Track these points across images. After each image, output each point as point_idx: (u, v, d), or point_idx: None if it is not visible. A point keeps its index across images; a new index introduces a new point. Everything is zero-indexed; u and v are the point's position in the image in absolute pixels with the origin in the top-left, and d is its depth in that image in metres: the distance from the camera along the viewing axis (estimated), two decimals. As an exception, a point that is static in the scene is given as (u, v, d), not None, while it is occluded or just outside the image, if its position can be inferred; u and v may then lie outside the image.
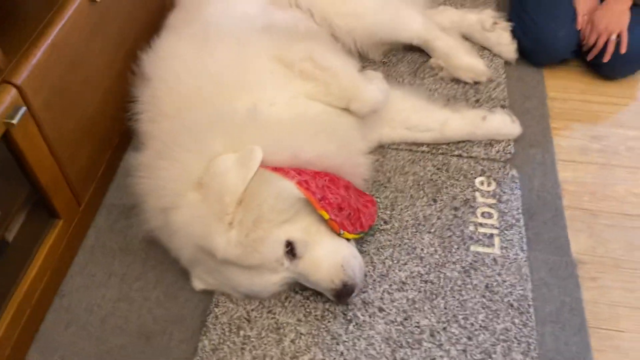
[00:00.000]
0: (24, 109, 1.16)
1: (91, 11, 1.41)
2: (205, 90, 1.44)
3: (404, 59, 2.02)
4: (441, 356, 1.31)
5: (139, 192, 1.40)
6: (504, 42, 1.99)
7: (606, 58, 1.86)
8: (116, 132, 1.64)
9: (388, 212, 1.58)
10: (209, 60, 1.48)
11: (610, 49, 1.84)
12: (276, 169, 1.31)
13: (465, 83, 1.92)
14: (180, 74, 1.48)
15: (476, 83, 1.92)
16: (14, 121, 1.13)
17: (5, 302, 1.25)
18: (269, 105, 1.43)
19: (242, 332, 1.35)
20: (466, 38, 2.04)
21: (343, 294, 1.30)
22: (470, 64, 1.89)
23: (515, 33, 2.00)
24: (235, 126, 1.35)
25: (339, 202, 1.36)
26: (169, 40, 1.58)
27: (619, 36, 1.83)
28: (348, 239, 1.37)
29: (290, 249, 1.29)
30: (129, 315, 1.40)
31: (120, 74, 1.57)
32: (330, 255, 1.31)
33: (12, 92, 1.15)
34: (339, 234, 1.34)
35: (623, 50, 1.83)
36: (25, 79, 1.19)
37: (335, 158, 1.41)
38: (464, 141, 1.75)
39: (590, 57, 1.91)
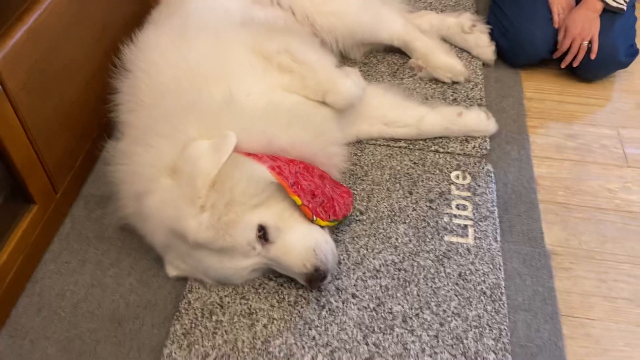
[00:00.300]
0: (-2, 87, 1.17)
1: (71, 0, 1.44)
2: (183, 80, 1.46)
3: (384, 60, 2.06)
4: (413, 341, 1.31)
5: (115, 179, 1.41)
6: (483, 44, 2.03)
7: (576, 63, 1.92)
8: (96, 124, 1.65)
9: (364, 204, 1.59)
10: (187, 51, 1.51)
11: (581, 55, 1.90)
12: (250, 155, 1.32)
13: (444, 83, 1.95)
14: (159, 64, 1.50)
15: (454, 83, 1.95)
16: (-12, 99, 1.14)
17: (-25, 283, 1.25)
18: (246, 95, 1.45)
19: (214, 317, 1.34)
20: (445, 41, 2.09)
21: (315, 278, 1.30)
22: (449, 63, 1.93)
23: (493, 35, 2.04)
24: (210, 113, 1.37)
25: (312, 189, 1.37)
26: (149, 34, 1.61)
27: (590, 42, 1.87)
28: (322, 227, 1.38)
29: (263, 234, 1.30)
30: (101, 300, 1.40)
31: (101, 67, 1.59)
32: (302, 240, 1.31)
33: (-13, 71, 1.17)
34: (311, 221, 1.35)
35: (593, 56, 1.88)
36: (1, 60, 1.20)
37: (309, 147, 1.43)
38: (440, 137, 1.77)
39: (563, 64, 1.95)
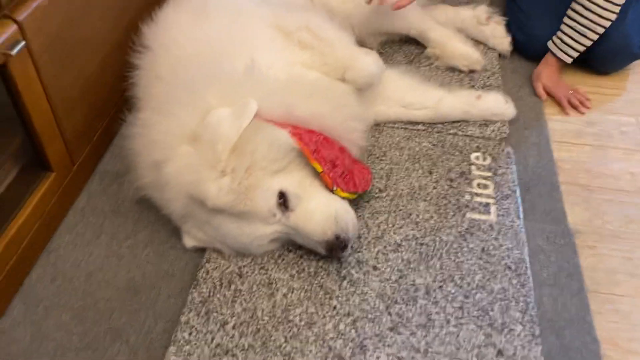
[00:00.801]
0: (23, 43, 1.17)
1: (94, -30, 1.45)
2: (203, 53, 1.46)
3: (400, 50, 2.06)
4: (437, 312, 1.27)
5: (133, 149, 1.39)
6: (499, 35, 2.04)
7: (583, 110, 1.88)
8: (114, 101, 1.65)
9: (383, 182, 1.57)
10: (207, 26, 1.51)
11: (581, 103, 1.89)
12: (270, 122, 1.31)
13: (461, 72, 1.95)
14: (178, 40, 1.50)
15: (471, 71, 1.95)
16: (12, 52, 1.13)
17: (-10, 244, 1.22)
18: (267, 68, 1.44)
19: (233, 286, 1.31)
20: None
21: (335, 246, 1.27)
22: (466, 52, 1.93)
23: (509, 28, 2.04)
24: (231, 81, 1.36)
25: (333, 159, 1.36)
26: (169, 11, 1.61)
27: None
28: (341, 198, 1.35)
29: (283, 201, 1.27)
30: (117, 271, 1.37)
31: (120, 44, 1.59)
32: (323, 208, 1.29)
33: (12, 27, 1.17)
34: (331, 191, 1.33)
35: (587, 106, 1.89)
36: (26, 18, 1.20)
37: (329, 119, 1.41)
38: (459, 121, 1.76)
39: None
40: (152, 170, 1.34)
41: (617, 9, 1.73)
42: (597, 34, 1.79)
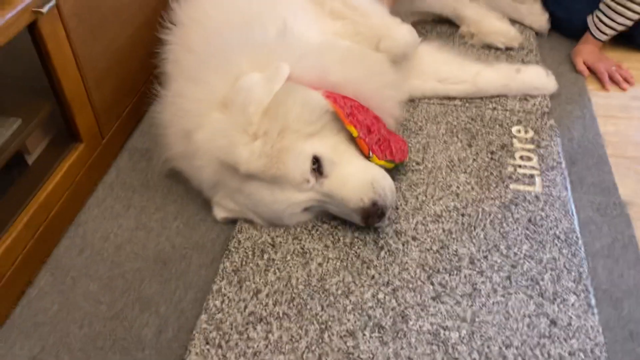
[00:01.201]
0: (53, 1, 1.15)
1: (126, -59, 1.43)
2: (234, 24, 1.42)
3: (434, 31, 2.01)
4: (483, 282, 1.19)
5: (163, 119, 1.36)
6: (536, 12, 1.97)
7: (624, 86, 1.79)
8: (143, 78, 1.63)
9: (420, 155, 1.50)
10: None
11: (622, 78, 1.80)
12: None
13: (497, 49, 1.88)
14: (209, 13, 1.47)
15: (508, 49, 1.88)
16: (43, 10, 1.11)
17: (20, 208, 1.19)
18: (299, 34, 1.40)
19: (265, 256, 1.25)
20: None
21: (372, 213, 1.20)
22: (502, 28, 1.86)
23: (546, 5, 1.97)
24: (263, 46, 1.32)
25: (368, 124, 1.30)
26: None
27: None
28: (377, 166, 1.29)
29: (317, 167, 1.22)
30: (146, 242, 1.33)
31: (150, 21, 1.56)
32: (359, 173, 1.23)
33: (43, -14, 1.15)
34: (367, 157, 1.27)
35: (631, 83, 1.79)
36: (57, -21, 1.18)
37: (364, 86, 1.36)
38: (498, 96, 1.69)
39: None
40: (182, 140, 1.30)
41: None
42: (636, 13, 1.70)
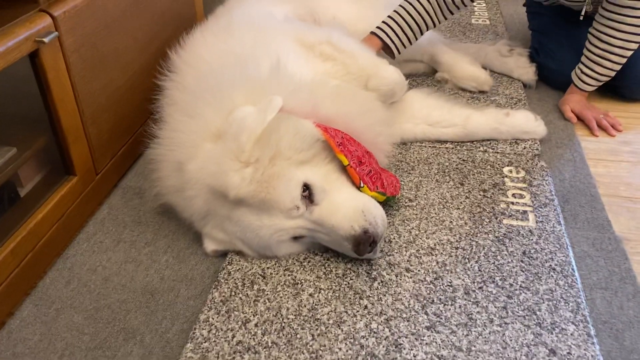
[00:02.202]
0: (55, 33, 1.20)
1: (129, -13, 1.51)
2: (228, 64, 1.47)
3: (424, 83, 2.06)
4: (478, 312, 1.16)
5: (156, 152, 1.37)
6: (523, 65, 2.04)
7: (613, 133, 1.82)
8: (140, 121, 1.66)
9: (413, 192, 1.51)
10: (232, 42, 1.53)
11: (609, 125, 1.84)
12: (296, 117, 1.28)
13: (486, 99, 1.93)
14: (204, 56, 1.52)
15: (481, 92, 1.93)
16: (45, 39, 1.15)
17: (8, 235, 1.18)
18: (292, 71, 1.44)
19: (255, 287, 1.23)
20: (485, 68, 2.10)
21: (364, 241, 1.18)
22: (473, 72, 1.92)
23: (537, 58, 2.05)
24: (257, 81, 1.35)
25: (359, 155, 1.31)
26: (196, 35, 1.65)
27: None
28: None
29: (308, 194, 1.22)
30: (134, 275, 1.30)
31: (149, 67, 1.62)
32: (349, 201, 1.23)
33: (47, 20, 1.20)
34: (358, 187, 1.28)
35: (618, 129, 1.83)
36: (61, 15, 1.24)
37: (355, 121, 1.38)
38: (488, 140, 1.72)
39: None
40: (175, 173, 1.31)
41: (628, 44, 1.71)
42: (615, 63, 1.76)
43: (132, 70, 1.59)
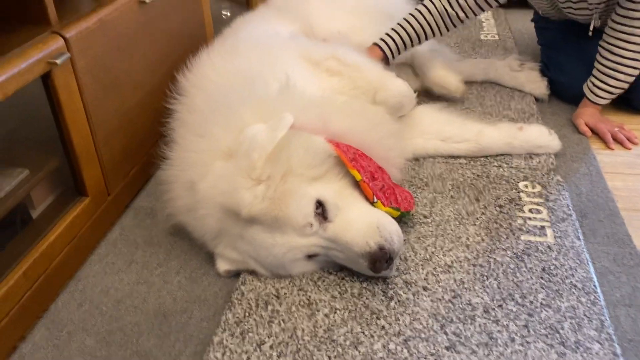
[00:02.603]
0: (67, 55, 1.20)
1: (140, 10, 1.52)
2: (236, 84, 1.46)
3: (437, 102, 2.05)
4: (499, 331, 1.13)
5: (168, 173, 1.36)
6: (534, 79, 2.03)
7: (629, 146, 1.79)
8: (151, 142, 1.65)
9: (427, 209, 1.49)
10: (239, 62, 1.53)
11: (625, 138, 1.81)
12: (306, 132, 1.27)
13: (497, 113, 1.92)
14: (211, 77, 1.52)
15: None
16: (58, 61, 1.16)
17: (20, 257, 1.17)
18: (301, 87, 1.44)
19: (270, 307, 1.20)
20: (495, 83, 2.10)
21: (379, 258, 1.16)
22: (444, 77, 1.89)
23: (548, 73, 2.03)
24: (266, 99, 1.35)
25: (372, 171, 1.30)
26: (202, 57, 1.64)
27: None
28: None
29: (321, 211, 1.20)
30: (147, 296, 1.28)
31: (159, 89, 1.60)
32: (364, 217, 1.21)
33: (60, 41, 1.21)
34: (372, 203, 1.26)
35: (634, 142, 1.80)
36: (73, 36, 1.24)
37: (366, 135, 1.37)
38: (502, 155, 1.69)
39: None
40: (187, 192, 1.30)
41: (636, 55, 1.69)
42: (628, 75, 1.74)
43: (143, 90, 1.59)
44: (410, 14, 1.78)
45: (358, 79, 1.51)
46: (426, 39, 1.79)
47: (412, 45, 1.78)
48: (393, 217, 1.27)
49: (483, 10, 1.77)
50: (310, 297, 1.23)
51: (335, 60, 1.53)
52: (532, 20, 2.33)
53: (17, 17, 1.21)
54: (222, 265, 1.30)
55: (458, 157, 1.70)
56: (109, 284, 1.32)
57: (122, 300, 1.27)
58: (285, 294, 1.24)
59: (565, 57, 1.99)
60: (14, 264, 1.14)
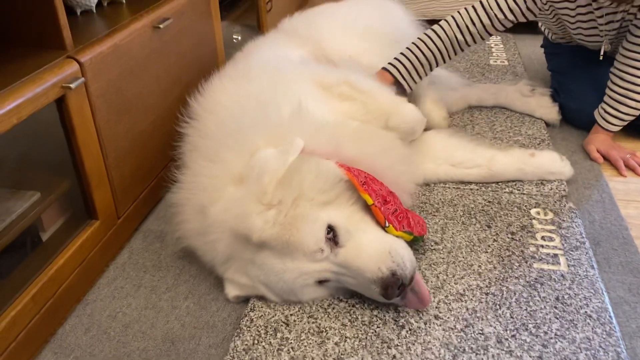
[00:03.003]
0: (82, 79, 1.21)
1: (153, 35, 1.53)
2: (248, 109, 1.46)
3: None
4: (513, 362, 1.10)
5: (179, 197, 1.36)
6: (546, 104, 2.03)
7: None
8: (162, 164, 1.66)
9: (439, 235, 1.47)
10: (250, 87, 1.53)
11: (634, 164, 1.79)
12: (318, 157, 1.27)
13: (508, 139, 1.91)
14: (223, 103, 1.51)
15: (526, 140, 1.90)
16: (72, 85, 1.17)
17: (29, 281, 1.16)
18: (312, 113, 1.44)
19: (279, 334, 1.19)
20: (506, 108, 2.10)
21: (392, 284, 1.14)
22: (430, 110, 1.86)
23: (557, 98, 2.03)
24: (278, 124, 1.35)
25: (384, 194, 1.29)
26: (214, 81, 1.63)
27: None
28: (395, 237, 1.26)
29: (332, 236, 1.19)
30: (155, 322, 1.27)
31: (171, 112, 1.61)
32: (376, 242, 1.19)
33: (74, 66, 1.22)
34: (384, 228, 1.25)
35: None
36: (87, 60, 1.26)
37: (377, 160, 1.36)
38: (514, 181, 1.68)
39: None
40: (197, 216, 1.29)
41: None
42: (639, 102, 1.74)
43: (155, 113, 1.60)
44: (419, 39, 1.79)
45: (370, 105, 1.52)
46: (437, 64, 1.79)
47: (424, 71, 1.78)
48: (406, 242, 1.26)
49: (491, 35, 1.78)
50: (320, 324, 1.21)
51: (348, 86, 1.54)
52: (541, 46, 2.34)
53: (33, 41, 1.22)
54: (231, 291, 1.29)
55: (469, 182, 1.69)
56: (117, 308, 1.31)
57: (129, 325, 1.26)
58: (294, 321, 1.22)
59: (576, 83, 1.99)
60: (23, 288, 1.14)
